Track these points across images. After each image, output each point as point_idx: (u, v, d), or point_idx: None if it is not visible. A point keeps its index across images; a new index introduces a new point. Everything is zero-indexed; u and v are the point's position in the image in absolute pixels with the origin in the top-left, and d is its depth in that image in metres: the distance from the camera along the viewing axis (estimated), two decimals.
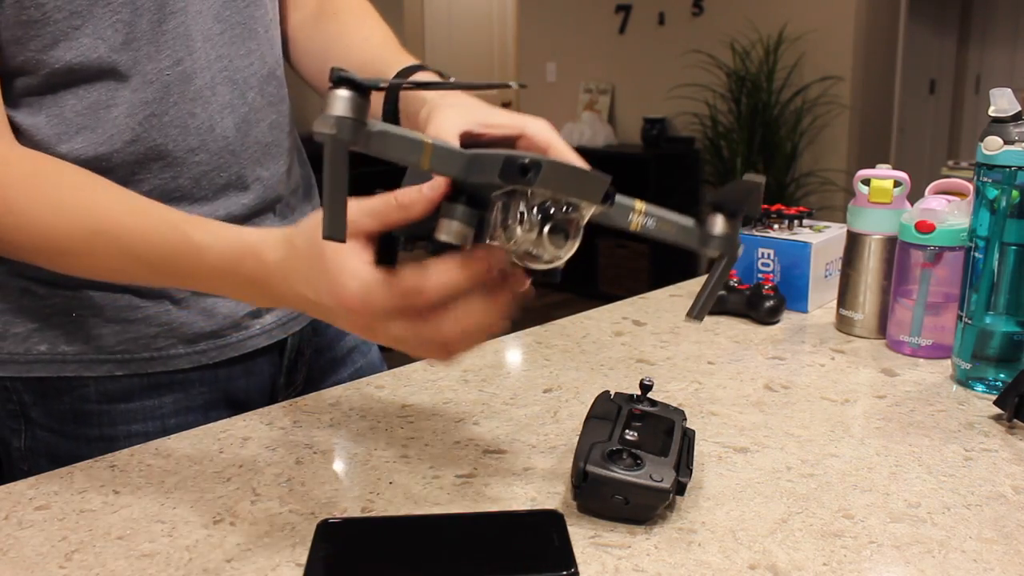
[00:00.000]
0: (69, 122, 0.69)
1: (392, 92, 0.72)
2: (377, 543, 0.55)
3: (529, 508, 0.61)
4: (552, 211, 0.52)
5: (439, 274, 0.53)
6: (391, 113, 0.72)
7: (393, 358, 0.88)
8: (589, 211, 0.54)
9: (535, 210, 0.52)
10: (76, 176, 0.65)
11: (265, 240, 0.59)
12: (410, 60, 0.76)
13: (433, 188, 0.54)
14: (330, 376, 0.91)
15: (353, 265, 0.53)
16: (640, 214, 0.58)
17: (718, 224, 0.59)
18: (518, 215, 0.52)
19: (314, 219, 0.55)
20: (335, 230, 0.49)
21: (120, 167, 0.71)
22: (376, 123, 0.50)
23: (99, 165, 0.70)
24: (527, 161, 0.50)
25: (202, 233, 0.60)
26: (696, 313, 0.60)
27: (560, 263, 0.55)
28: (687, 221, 0.59)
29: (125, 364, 0.75)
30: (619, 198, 0.56)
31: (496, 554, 0.54)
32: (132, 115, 0.71)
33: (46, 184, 0.63)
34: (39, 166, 0.65)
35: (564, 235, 0.53)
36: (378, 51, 0.80)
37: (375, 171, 0.78)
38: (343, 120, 0.48)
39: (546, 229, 0.52)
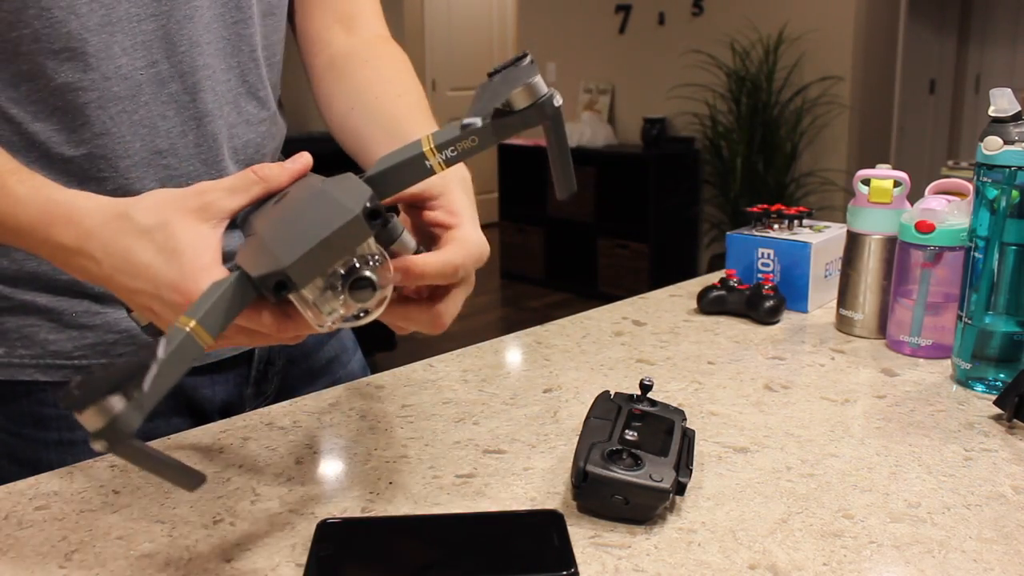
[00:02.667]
0: (43, 102, 0.69)
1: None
2: (377, 543, 0.55)
3: (528, 508, 0.61)
4: (343, 275, 0.50)
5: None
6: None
7: (393, 359, 0.88)
8: (367, 245, 0.50)
9: (321, 290, 0.50)
10: None
11: (87, 205, 0.54)
12: (434, 126, 0.72)
13: (296, 161, 0.55)
14: (306, 387, 0.89)
15: (210, 260, 0.52)
16: (433, 154, 0.53)
17: (518, 99, 0.52)
18: (310, 304, 0.50)
19: (162, 193, 0.53)
20: None
21: (84, 159, 0.71)
22: None
23: (63, 152, 0.70)
24: (273, 284, 0.48)
25: (23, 187, 0.56)
26: (566, 188, 0.55)
27: (383, 306, 0.52)
28: (477, 120, 0.53)
29: (83, 370, 0.74)
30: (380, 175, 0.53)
31: (496, 554, 0.54)
32: (103, 107, 0.70)
33: None
34: None
35: (369, 285, 0.50)
36: (407, 111, 0.76)
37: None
38: None
39: (345, 296, 0.50)
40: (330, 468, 0.68)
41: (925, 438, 0.72)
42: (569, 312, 1.11)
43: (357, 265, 0.50)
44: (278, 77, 0.85)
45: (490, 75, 0.57)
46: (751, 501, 0.62)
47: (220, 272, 0.52)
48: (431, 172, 0.53)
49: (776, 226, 1.11)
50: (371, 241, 0.51)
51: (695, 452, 0.68)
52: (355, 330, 0.99)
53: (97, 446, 0.44)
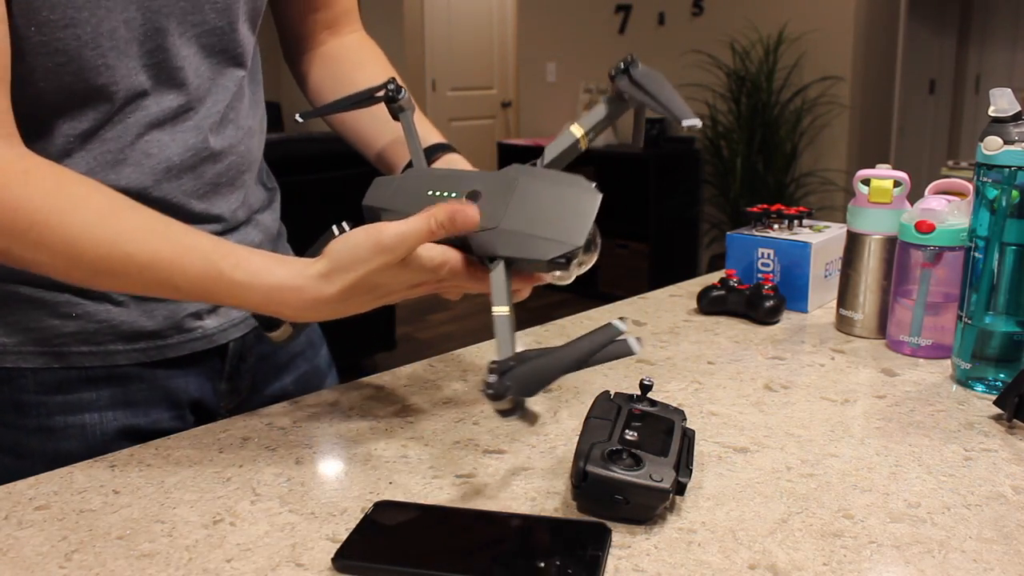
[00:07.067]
0: (43, 150, 0.69)
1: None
2: (417, 528, 0.58)
3: (533, 509, 0.61)
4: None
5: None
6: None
7: (393, 359, 0.89)
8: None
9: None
10: (100, 195, 0.65)
11: (304, 284, 0.63)
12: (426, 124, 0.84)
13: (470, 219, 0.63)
14: (273, 382, 0.90)
15: (438, 260, 0.64)
16: (584, 139, 0.70)
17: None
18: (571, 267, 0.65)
19: (360, 255, 0.62)
20: None
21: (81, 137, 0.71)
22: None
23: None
24: (565, 259, 0.63)
25: (239, 273, 0.63)
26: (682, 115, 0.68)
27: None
28: (604, 109, 0.71)
29: (63, 357, 0.75)
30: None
31: (519, 558, 0.54)
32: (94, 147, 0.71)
33: (72, 202, 0.63)
34: (61, 181, 0.64)
35: (596, 244, 0.67)
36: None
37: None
38: None
39: (582, 255, 0.65)
40: (330, 468, 0.68)
41: (925, 438, 0.72)
42: (569, 312, 1.11)
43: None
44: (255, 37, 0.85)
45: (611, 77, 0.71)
46: (751, 501, 0.62)
47: (445, 257, 0.64)
48: (581, 151, 0.71)
49: (776, 226, 1.11)
50: None
51: (695, 452, 0.68)
52: (356, 331, 0.98)
53: (506, 419, 0.59)
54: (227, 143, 0.79)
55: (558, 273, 0.65)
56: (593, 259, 0.68)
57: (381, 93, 0.76)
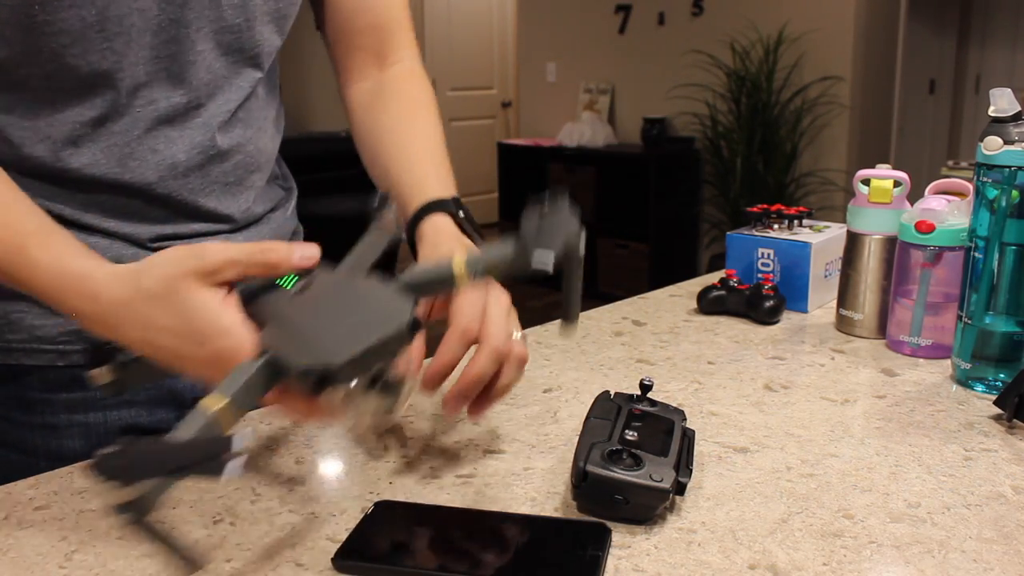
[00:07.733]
0: (50, 136, 0.70)
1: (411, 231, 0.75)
2: (417, 528, 0.58)
3: (533, 509, 0.61)
4: (374, 379, 0.53)
5: None
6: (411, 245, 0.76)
7: None
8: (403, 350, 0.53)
9: (358, 388, 0.52)
10: None
11: (102, 277, 0.58)
12: (447, 174, 0.80)
13: (306, 258, 0.56)
14: None
15: (228, 322, 0.54)
16: (463, 277, 0.56)
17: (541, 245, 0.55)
18: (341, 399, 0.52)
19: (169, 258, 0.55)
20: None
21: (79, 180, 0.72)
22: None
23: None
24: (316, 378, 0.49)
25: (42, 253, 0.59)
26: (569, 318, 0.60)
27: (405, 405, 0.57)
28: (507, 249, 0.57)
29: (66, 355, 0.75)
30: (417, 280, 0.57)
31: (520, 559, 0.54)
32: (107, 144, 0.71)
33: None
34: None
35: (397, 388, 0.54)
36: (420, 166, 0.81)
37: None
38: None
39: (376, 396, 0.54)
40: (330, 468, 0.68)
41: (925, 438, 0.72)
42: None
43: (389, 368, 0.53)
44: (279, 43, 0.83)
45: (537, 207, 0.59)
46: (751, 501, 0.62)
47: (239, 332, 0.53)
48: (456, 288, 0.57)
49: (776, 226, 1.11)
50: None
51: (695, 452, 0.68)
52: None
53: (120, 518, 0.46)
54: (235, 142, 0.79)
55: (325, 400, 0.51)
56: (389, 407, 0.55)
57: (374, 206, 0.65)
